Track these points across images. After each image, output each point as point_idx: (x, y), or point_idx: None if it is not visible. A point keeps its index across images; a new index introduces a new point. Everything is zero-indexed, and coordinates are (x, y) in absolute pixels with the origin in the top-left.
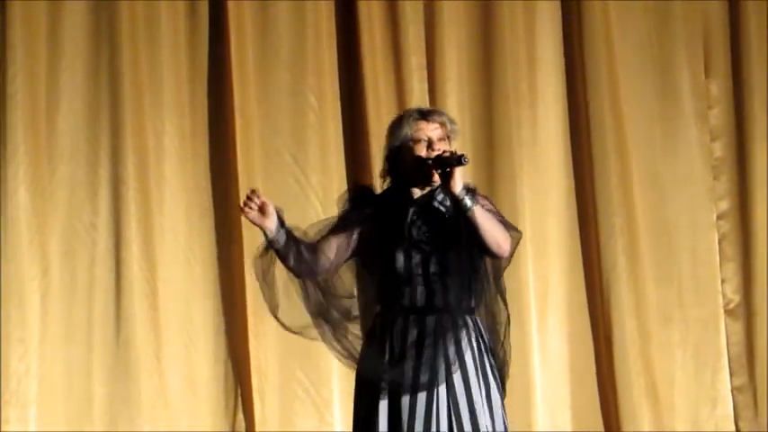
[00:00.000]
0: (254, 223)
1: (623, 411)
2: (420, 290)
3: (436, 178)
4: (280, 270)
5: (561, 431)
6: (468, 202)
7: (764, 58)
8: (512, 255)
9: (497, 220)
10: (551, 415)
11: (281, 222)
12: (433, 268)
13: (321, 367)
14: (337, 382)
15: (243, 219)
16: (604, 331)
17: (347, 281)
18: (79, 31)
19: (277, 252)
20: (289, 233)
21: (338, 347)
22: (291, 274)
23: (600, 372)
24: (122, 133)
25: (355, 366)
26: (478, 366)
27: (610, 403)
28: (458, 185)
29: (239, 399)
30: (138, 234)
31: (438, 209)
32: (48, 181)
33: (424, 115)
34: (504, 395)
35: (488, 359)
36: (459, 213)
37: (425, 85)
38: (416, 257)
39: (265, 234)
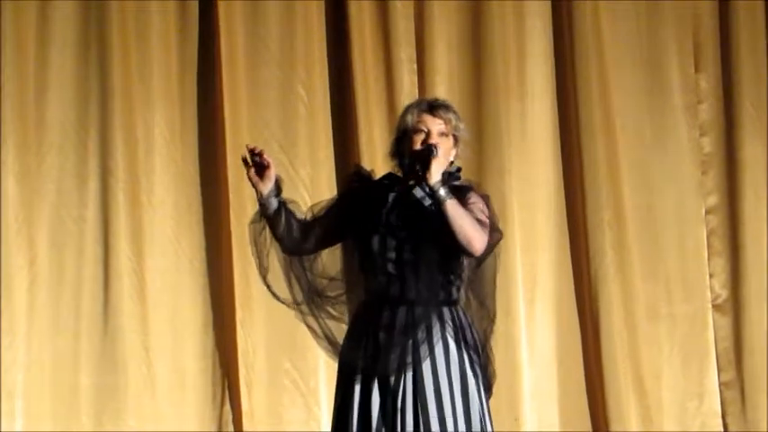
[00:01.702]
0: (251, 182)
1: (610, 405)
2: (393, 278)
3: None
4: (273, 238)
5: (548, 425)
6: (441, 193)
7: (754, 52)
8: (487, 254)
9: (474, 218)
10: (538, 408)
11: (278, 191)
12: (406, 256)
13: (308, 359)
14: (324, 373)
15: (231, 211)
16: (592, 325)
17: (329, 263)
18: (69, 23)
19: (267, 218)
20: (282, 203)
21: (315, 326)
22: (278, 245)
23: (587, 366)
24: (111, 125)
25: (330, 348)
26: (452, 361)
27: (597, 397)
28: (433, 177)
29: (227, 390)
30: (126, 226)
31: (417, 198)
32: (36, 172)
33: (431, 109)
34: (490, 395)
35: (468, 355)
36: (433, 204)
37: (415, 79)
38: (391, 244)
39: (258, 196)
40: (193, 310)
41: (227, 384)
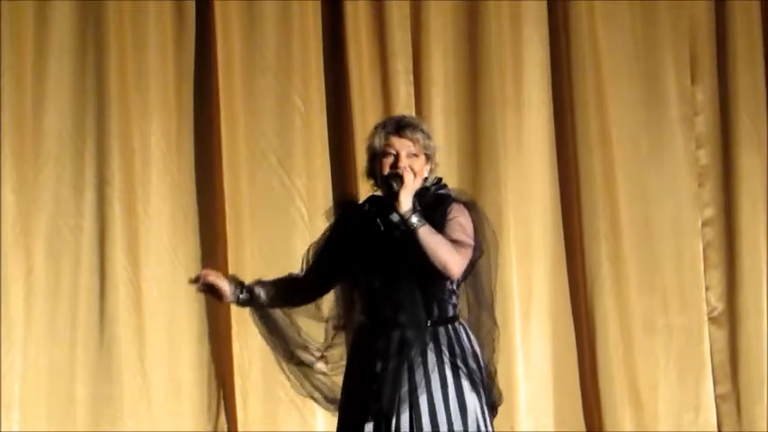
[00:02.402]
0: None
1: (606, 417)
2: (382, 304)
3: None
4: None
5: None
6: (413, 221)
7: (750, 65)
8: (468, 273)
9: (450, 239)
10: (534, 420)
11: (240, 286)
12: (389, 281)
13: None
14: None
15: (227, 221)
16: (588, 337)
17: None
18: (66, 32)
19: (251, 308)
20: (249, 293)
21: (304, 391)
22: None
23: (583, 378)
24: (108, 135)
25: (332, 407)
26: (449, 391)
27: (593, 409)
28: (402, 205)
29: (222, 401)
30: (122, 236)
31: (394, 223)
32: (33, 181)
33: (398, 130)
34: (495, 414)
35: (469, 377)
36: (406, 232)
37: (411, 89)
38: (377, 271)
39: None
40: (189, 320)
41: (222, 395)
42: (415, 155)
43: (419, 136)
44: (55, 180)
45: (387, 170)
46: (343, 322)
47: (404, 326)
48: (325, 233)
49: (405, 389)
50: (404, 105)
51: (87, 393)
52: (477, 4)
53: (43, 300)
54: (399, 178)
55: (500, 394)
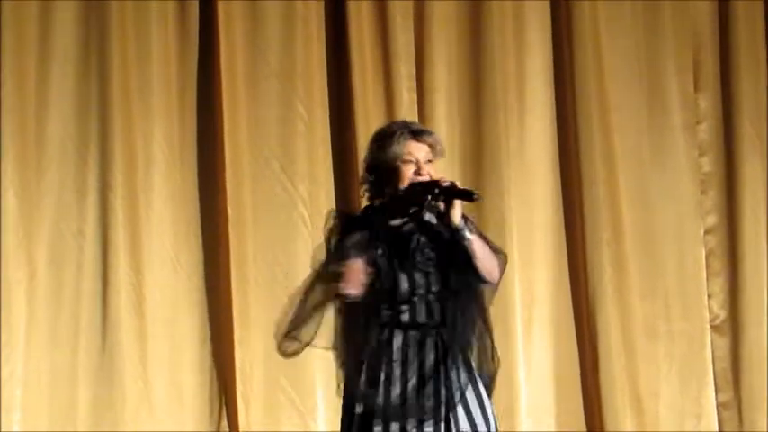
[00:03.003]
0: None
1: (607, 425)
2: (420, 308)
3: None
4: None
5: None
6: (467, 233)
7: (753, 72)
8: (499, 280)
9: (489, 248)
10: (536, 426)
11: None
12: (435, 290)
13: (305, 375)
14: (321, 390)
15: (230, 226)
16: (590, 344)
17: None
18: (69, 37)
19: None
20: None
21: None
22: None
23: (585, 384)
24: (111, 140)
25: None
26: (483, 400)
27: (594, 416)
28: (457, 217)
29: (224, 405)
30: (125, 240)
31: (441, 234)
32: (35, 186)
33: (415, 135)
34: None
35: (486, 391)
36: (458, 242)
37: (414, 95)
38: (420, 281)
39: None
40: (191, 325)
41: (224, 399)
42: (430, 160)
43: (434, 140)
44: (57, 185)
45: (409, 178)
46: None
47: (441, 335)
48: (335, 244)
49: (457, 391)
50: (407, 111)
51: (89, 397)
52: (480, 10)
53: (45, 304)
54: (463, 193)
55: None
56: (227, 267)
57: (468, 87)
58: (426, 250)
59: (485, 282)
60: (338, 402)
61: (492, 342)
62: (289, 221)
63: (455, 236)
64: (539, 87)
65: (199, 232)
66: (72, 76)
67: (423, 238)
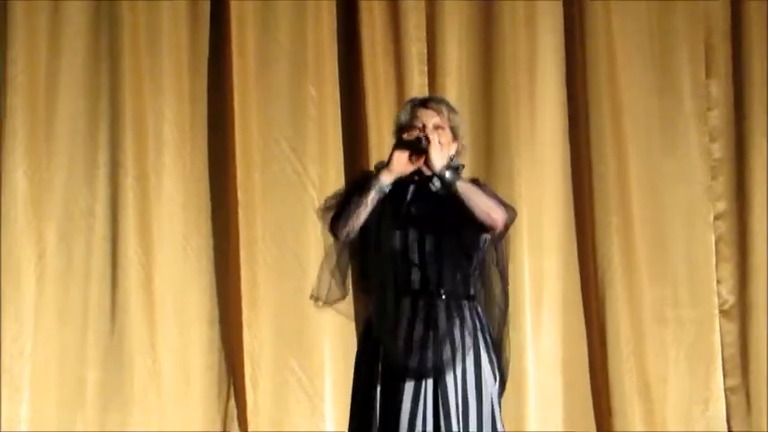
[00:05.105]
0: (399, 168)
1: (615, 409)
2: (415, 271)
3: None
4: None
5: (552, 426)
6: (448, 176)
7: (765, 59)
8: (507, 229)
9: (487, 194)
10: (543, 411)
11: None
12: (429, 248)
13: (314, 357)
14: (330, 372)
15: (240, 208)
16: (598, 329)
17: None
18: (80, 16)
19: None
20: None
21: None
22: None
23: (593, 369)
24: (122, 120)
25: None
26: (472, 357)
27: (602, 401)
28: (435, 164)
29: (232, 386)
30: (134, 221)
31: (434, 190)
32: (46, 166)
33: (423, 103)
34: (504, 389)
35: (486, 352)
36: (445, 190)
37: (425, 76)
38: (413, 236)
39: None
40: (200, 305)
41: (232, 380)
42: (441, 127)
43: (443, 108)
44: (67, 165)
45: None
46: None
47: (433, 294)
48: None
49: (448, 355)
50: (418, 91)
51: (97, 377)
52: None
53: (54, 284)
54: (423, 138)
55: (507, 362)
56: (237, 249)
57: (480, 68)
58: (420, 204)
59: (485, 228)
60: (346, 384)
61: (505, 292)
62: (298, 203)
63: (443, 184)
64: (550, 71)
65: (208, 213)
66: (83, 55)
67: (417, 193)
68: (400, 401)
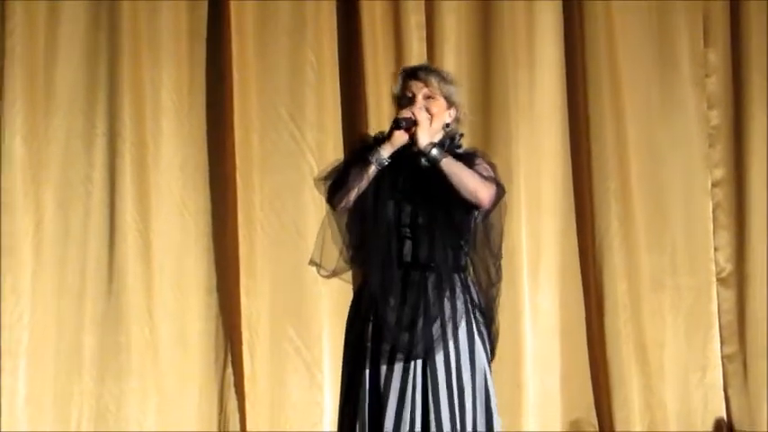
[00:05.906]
0: (395, 142)
1: (612, 375)
2: (407, 243)
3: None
4: None
5: (549, 392)
6: (433, 154)
7: (763, 27)
8: (493, 206)
9: (474, 171)
10: (541, 376)
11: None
12: (421, 221)
13: (312, 326)
14: (327, 340)
15: (238, 174)
16: (596, 295)
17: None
18: None
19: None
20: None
21: None
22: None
23: (590, 335)
24: (119, 86)
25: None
26: (465, 331)
27: (599, 367)
28: (420, 142)
29: (229, 353)
30: (132, 187)
31: (424, 164)
32: (44, 133)
33: (413, 73)
34: (493, 358)
35: (476, 323)
36: (430, 166)
37: (424, 45)
38: (406, 208)
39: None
40: (198, 272)
41: (229, 348)
42: (432, 97)
43: (433, 78)
44: (66, 131)
45: (401, 114)
46: (352, 255)
47: (426, 266)
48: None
49: (438, 333)
50: (416, 60)
51: (95, 344)
52: None
53: (52, 250)
54: (401, 122)
55: (497, 334)
56: (235, 215)
57: (479, 37)
58: (411, 178)
59: (472, 204)
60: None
61: (496, 266)
62: (296, 170)
63: (428, 161)
64: (548, 39)
65: (206, 179)
66: (81, 22)
67: (409, 167)
68: (390, 379)
